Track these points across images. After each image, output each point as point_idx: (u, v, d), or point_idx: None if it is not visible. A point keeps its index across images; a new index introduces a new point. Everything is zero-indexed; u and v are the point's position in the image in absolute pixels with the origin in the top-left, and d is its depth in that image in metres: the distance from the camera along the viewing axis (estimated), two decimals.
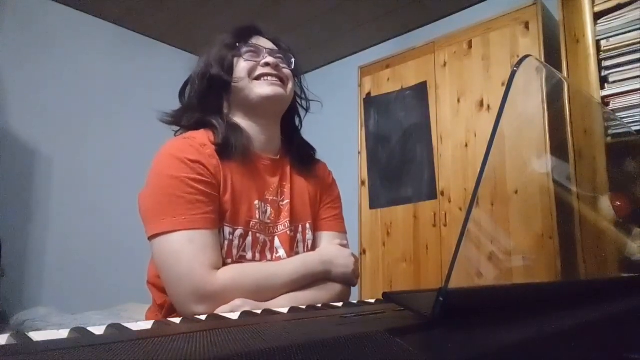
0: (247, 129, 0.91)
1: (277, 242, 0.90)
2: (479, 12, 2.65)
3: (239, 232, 0.84)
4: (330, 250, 0.94)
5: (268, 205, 0.90)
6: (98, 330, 0.38)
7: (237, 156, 0.86)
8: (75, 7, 2.80)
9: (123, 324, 0.39)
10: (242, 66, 0.91)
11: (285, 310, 0.53)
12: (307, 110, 1.05)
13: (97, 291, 2.59)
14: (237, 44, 0.94)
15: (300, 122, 1.05)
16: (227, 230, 0.83)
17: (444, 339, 0.33)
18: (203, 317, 0.48)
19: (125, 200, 2.82)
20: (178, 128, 0.96)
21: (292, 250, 0.92)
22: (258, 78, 0.90)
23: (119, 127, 2.91)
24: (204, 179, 0.80)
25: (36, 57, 2.62)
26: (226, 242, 0.82)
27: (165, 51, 3.24)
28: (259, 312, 0.51)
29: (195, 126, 0.91)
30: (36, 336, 0.34)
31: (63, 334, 0.36)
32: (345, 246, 0.99)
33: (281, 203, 0.93)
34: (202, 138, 0.86)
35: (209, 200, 0.79)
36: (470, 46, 2.38)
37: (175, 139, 0.87)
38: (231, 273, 0.77)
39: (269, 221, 0.90)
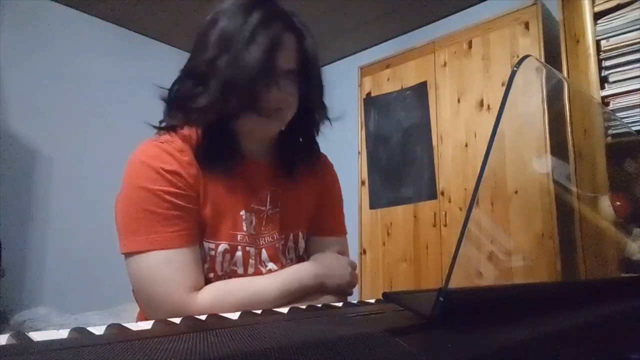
0: (241, 134, 0.80)
1: (264, 254, 0.82)
2: (479, 12, 2.65)
3: (222, 247, 0.76)
4: (325, 261, 0.84)
5: (254, 215, 0.81)
6: (98, 330, 0.38)
7: (222, 166, 0.77)
8: (75, 7, 2.80)
9: (123, 324, 0.39)
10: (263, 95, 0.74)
11: (285, 310, 0.53)
12: (319, 121, 0.87)
13: (97, 291, 2.59)
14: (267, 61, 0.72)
15: (309, 126, 0.88)
16: (208, 245, 0.75)
17: (444, 339, 0.33)
18: (203, 317, 0.48)
19: None
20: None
21: (281, 263, 0.84)
22: (269, 113, 0.76)
23: (118, 127, 2.91)
24: (181, 191, 0.71)
25: (36, 57, 2.62)
26: (208, 258, 0.76)
27: (165, 51, 3.24)
28: (259, 312, 0.51)
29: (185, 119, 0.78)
30: (36, 336, 0.34)
31: (63, 334, 0.36)
32: (343, 252, 0.91)
33: (269, 212, 0.83)
34: (180, 141, 0.75)
35: (186, 214, 0.71)
36: (470, 46, 2.38)
37: (149, 143, 0.76)
38: (212, 294, 0.70)
39: (257, 231, 0.81)
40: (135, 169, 0.73)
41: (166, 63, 3.46)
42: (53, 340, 0.32)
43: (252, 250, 0.79)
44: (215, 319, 0.49)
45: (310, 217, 0.91)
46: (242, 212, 0.79)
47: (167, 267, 0.69)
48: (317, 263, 0.83)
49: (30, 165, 2.54)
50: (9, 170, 2.43)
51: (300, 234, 0.88)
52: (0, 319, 2.14)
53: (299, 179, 0.87)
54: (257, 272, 0.80)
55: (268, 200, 0.83)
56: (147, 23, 3.00)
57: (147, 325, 0.42)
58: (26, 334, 0.34)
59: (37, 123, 2.58)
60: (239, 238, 0.78)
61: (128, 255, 0.71)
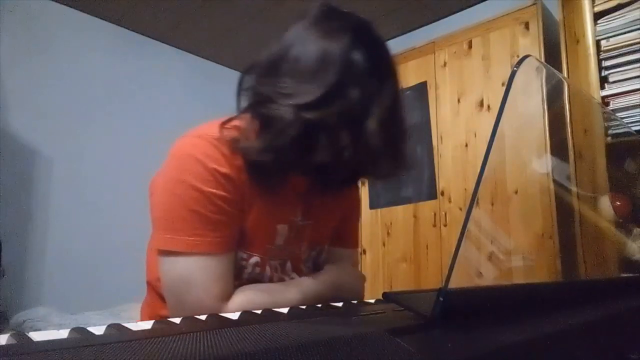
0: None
1: (288, 265, 0.82)
2: (479, 12, 2.65)
3: (254, 260, 0.76)
4: (342, 272, 0.85)
5: (289, 226, 0.80)
6: (98, 330, 0.38)
7: (274, 180, 0.73)
8: (75, 7, 2.80)
9: (123, 324, 0.39)
10: None
11: (285, 310, 0.53)
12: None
13: (97, 291, 2.59)
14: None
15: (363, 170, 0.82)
16: (240, 255, 0.74)
17: (444, 339, 0.33)
18: (203, 317, 0.48)
19: (125, 200, 2.82)
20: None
21: (302, 271, 0.84)
22: None
23: (119, 127, 2.91)
24: (230, 196, 0.68)
25: (36, 57, 2.62)
26: (237, 266, 0.74)
27: (165, 51, 3.24)
28: (259, 312, 0.51)
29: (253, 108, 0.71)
30: (36, 336, 0.34)
31: (63, 334, 0.36)
32: (355, 265, 0.94)
33: (300, 223, 0.82)
34: (231, 140, 0.70)
35: (231, 221, 0.69)
36: (470, 46, 2.38)
37: (200, 137, 0.70)
38: (241, 305, 0.68)
39: (288, 243, 0.81)
40: (187, 164, 0.68)
41: (166, 63, 3.48)
42: (53, 340, 0.32)
43: (282, 262, 0.80)
44: (215, 319, 0.49)
45: (335, 227, 0.90)
46: (278, 225, 0.78)
47: (204, 273, 0.67)
48: (334, 273, 0.83)
49: (30, 165, 2.54)
50: (9, 170, 2.43)
51: (326, 248, 0.89)
52: (0, 319, 2.14)
53: (331, 195, 0.86)
54: (278, 281, 0.80)
55: (303, 212, 0.81)
56: (147, 23, 3.00)
57: (147, 325, 0.42)
58: (26, 334, 0.34)
59: (37, 123, 2.58)
60: (270, 251, 0.77)
61: (165, 252, 0.68)
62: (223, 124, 0.72)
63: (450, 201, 2.33)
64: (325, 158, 0.66)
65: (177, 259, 0.67)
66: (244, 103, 0.71)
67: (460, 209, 2.29)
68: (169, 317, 0.78)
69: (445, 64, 2.48)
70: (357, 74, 0.67)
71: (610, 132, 1.55)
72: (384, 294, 0.41)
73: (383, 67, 0.72)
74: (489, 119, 2.25)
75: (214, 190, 0.67)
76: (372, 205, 2.68)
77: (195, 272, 0.66)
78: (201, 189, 0.66)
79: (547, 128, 1.50)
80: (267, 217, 0.75)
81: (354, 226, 0.96)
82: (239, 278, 0.75)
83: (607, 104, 1.70)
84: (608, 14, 1.74)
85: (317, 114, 0.64)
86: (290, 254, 0.81)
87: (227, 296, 0.69)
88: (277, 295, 0.73)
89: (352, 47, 0.68)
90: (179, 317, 0.69)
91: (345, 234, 0.93)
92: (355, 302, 0.64)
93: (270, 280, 0.78)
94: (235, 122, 0.72)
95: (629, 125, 1.64)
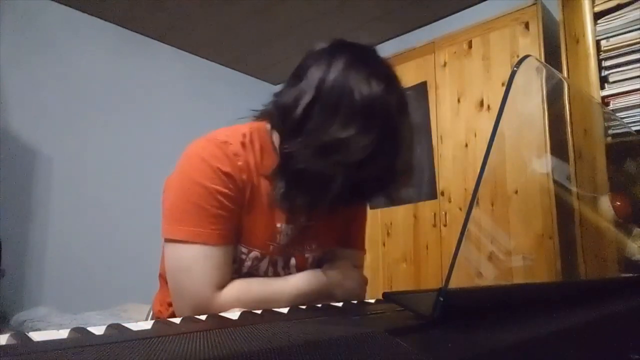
0: None
1: (292, 261, 0.85)
2: (479, 12, 2.65)
3: (254, 254, 0.80)
4: (341, 272, 0.87)
5: (292, 226, 0.83)
6: (98, 330, 0.38)
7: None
8: (75, 7, 2.80)
9: (123, 324, 0.39)
10: None
11: (285, 310, 0.53)
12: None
13: (97, 291, 2.59)
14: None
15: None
16: (240, 249, 0.79)
17: (444, 339, 0.33)
18: (203, 317, 0.48)
19: (125, 200, 2.82)
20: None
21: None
22: None
23: (119, 127, 2.91)
24: (231, 193, 0.75)
25: (36, 57, 2.62)
26: (237, 259, 0.79)
27: (165, 51, 3.24)
28: (259, 312, 0.51)
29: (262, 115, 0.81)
30: (36, 336, 0.34)
31: (63, 334, 0.36)
32: (358, 267, 0.94)
33: (306, 224, 0.84)
34: (236, 145, 0.77)
35: (231, 216, 0.75)
36: (470, 46, 2.38)
37: (209, 141, 0.77)
38: (235, 294, 0.74)
39: (291, 243, 0.84)
40: (194, 163, 0.76)
41: (166, 63, 3.48)
42: (53, 340, 0.32)
43: (279, 259, 0.83)
44: (215, 319, 0.49)
45: (342, 229, 0.93)
46: (279, 225, 0.81)
47: (204, 261, 0.73)
48: (330, 271, 0.86)
49: (30, 165, 2.54)
50: (9, 170, 2.43)
51: (333, 249, 0.92)
52: (0, 319, 2.15)
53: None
54: (275, 275, 0.84)
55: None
56: (147, 23, 3.00)
57: (147, 325, 0.42)
58: (26, 334, 0.34)
59: (37, 123, 2.58)
60: (271, 248, 0.82)
61: (169, 241, 0.75)
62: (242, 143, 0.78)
63: (450, 201, 2.33)
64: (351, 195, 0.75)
65: (180, 247, 0.73)
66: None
67: (460, 209, 2.29)
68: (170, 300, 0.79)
69: (445, 64, 2.48)
70: (392, 122, 0.73)
71: (610, 132, 1.55)
72: (384, 294, 0.41)
73: (403, 103, 0.79)
74: (489, 119, 2.25)
75: (217, 187, 0.73)
76: (372, 205, 2.68)
77: (195, 260, 0.73)
78: (205, 185, 0.73)
79: (547, 128, 1.50)
80: (268, 216, 0.80)
81: (359, 227, 1.00)
82: (239, 272, 0.80)
83: (607, 104, 1.70)
84: (608, 14, 1.74)
85: (363, 173, 0.71)
86: (295, 253, 0.85)
87: (222, 285, 0.74)
88: (272, 288, 0.78)
89: (388, 93, 0.73)
90: (177, 302, 0.74)
91: (351, 235, 0.96)
92: (355, 302, 0.64)
93: (265, 275, 0.82)
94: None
95: (629, 125, 1.64)
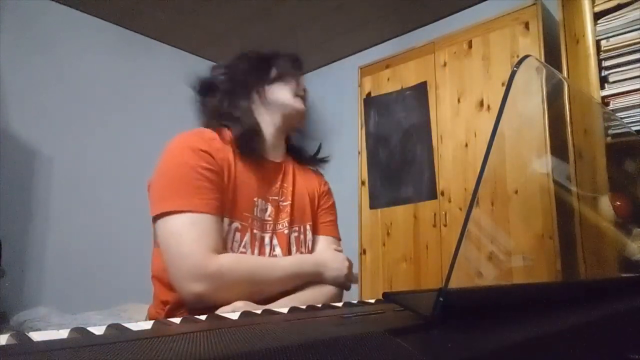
0: (265, 132, 0.99)
1: (275, 240, 0.95)
2: (479, 12, 2.65)
3: (235, 225, 0.88)
4: (326, 254, 0.99)
5: (269, 204, 0.95)
6: (98, 330, 0.38)
7: (248, 154, 0.92)
8: (75, 7, 2.80)
9: (123, 324, 0.39)
10: (290, 85, 1.01)
11: (285, 310, 0.53)
12: (307, 135, 1.15)
13: (97, 291, 2.59)
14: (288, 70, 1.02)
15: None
16: (225, 221, 0.86)
17: (444, 339, 0.33)
18: (203, 317, 0.48)
19: (125, 200, 2.82)
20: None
21: (288, 250, 0.96)
22: (297, 96, 1.01)
23: (119, 127, 2.91)
24: (209, 166, 0.84)
25: (36, 57, 2.62)
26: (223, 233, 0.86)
27: (165, 51, 3.24)
28: (259, 312, 0.51)
29: (219, 119, 0.97)
30: (36, 336, 0.34)
31: (63, 334, 0.36)
32: (340, 252, 1.04)
33: (282, 203, 0.98)
34: (211, 134, 0.91)
35: (213, 187, 0.83)
36: (470, 46, 2.38)
37: (185, 133, 0.91)
38: (231, 258, 0.82)
39: (269, 219, 0.94)
40: (173, 149, 0.87)
41: (166, 63, 3.48)
42: (53, 340, 0.32)
43: (258, 234, 0.92)
44: (215, 319, 0.49)
45: (313, 215, 1.05)
46: (256, 199, 0.92)
47: (193, 228, 0.79)
48: (318, 255, 0.98)
49: (30, 165, 2.54)
50: (9, 170, 2.43)
51: (309, 227, 1.02)
52: (0, 319, 2.15)
53: (304, 179, 1.06)
54: (262, 255, 0.92)
55: (280, 192, 0.98)
56: (147, 23, 3.00)
57: (147, 325, 0.42)
58: (26, 334, 0.34)
59: (37, 123, 2.58)
60: (250, 220, 0.90)
61: (158, 217, 0.81)
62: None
63: (450, 201, 2.33)
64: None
65: (168, 218, 0.80)
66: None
67: (460, 209, 2.29)
68: (171, 301, 0.85)
69: (445, 64, 2.48)
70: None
71: (610, 132, 1.55)
72: (384, 294, 0.41)
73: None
74: (489, 119, 2.25)
75: (197, 162, 0.83)
76: (372, 205, 2.68)
77: (183, 226, 0.79)
78: (186, 162, 0.83)
79: (547, 128, 1.49)
80: (245, 189, 0.91)
81: (333, 219, 1.12)
82: (228, 249, 0.86)
83: (607, 104, 1.70)
84: (608, 14, 1.74)
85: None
86: (277, 230, 0.96)
87: (215, 249, 0.80)
88: (266, 262, 0.87)
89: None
90: (175, 268, 0.79)
91: (326, 223, 1.08)
92: (355, 302, 0.64)
93: (252, 252, 0.90)
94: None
95: (629, 125, 1.64)
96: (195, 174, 0.82)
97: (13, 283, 2.34)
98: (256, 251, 0.91)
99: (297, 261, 0.92)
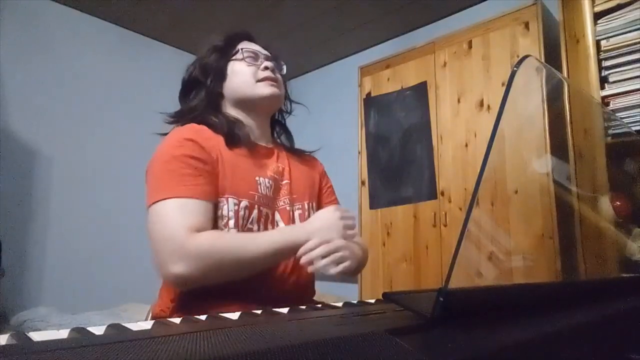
0: (246, 122, 1.01)
1: (277, 216, 0.97)
2: (479, 12, 2.65)
3: (244, 203, 0.90)
4: (317, 217, 0.90)
5: (271, 180, 0.97)
6: (98, 330, 0.38)
7: (240, 143, 0.95)
8: (75, 7, 2.80)
9: (123, 324, 0.39)
10: (245, 69, 1.01)
11: (285, 310, 0.53)
12: (289, 112, 1.17)
13: (97, 291, 2.59)
14: (233, 48, 1.05)
15: (284, 119, 1.18)
16: (232, 201, 0.89)
17: (444, 339, 0.33)
18: (203, 317, 0.48)
19: (125, 200, 2.82)
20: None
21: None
22: (260, 80, 1.00)
23: (119, 127, 2.91)
24: (196, 154, 0.86)
25: (36, 57, 2.62)
26: (232, 214, 0.88)
27: (165, 51, 3.24)
28: (258, 312, 0.51)
29: (197, 123, 0.97)
30: (36, 336, 0.34)
31: (63, 334, 0.36)
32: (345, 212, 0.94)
33: (281, 182, 1.00)
34: (201, 127, 0.94)
35: (199, 173, 0.85)
36: (470, 46, 2.38)
37: (174, 128, 0.96)
38: (210, 237, 0.80)
39: (270, 195, 0.96)
40: (160, 146, 0.90)
41: (166, 63, 3.48)
42: (53, 340, 0.32)
43: (264, 210, 0.93)
44: (215, 319, 0.49)
45: (316, 194, 1.09)
46: (257, 177, 0.94)
47: (177, 211, 0.80)
48: (308, 222, 0.91)
49: (30, 165, 2.54)
50: (9, 170, 2.43)
51: (312, 204, 1.04)
52: (0, 319, 2.15)
53: (300, 161, 1.09)
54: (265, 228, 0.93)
55: (278, 171, 1.00)
56: (147, 23, 3.00)
57: (147, 325, 0.42)
58: (26, 334, 0.34)
59: (37, 123, 2.58)
60: (256, 198, 0.92)
61: (149, 207, 0.83)
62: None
63: (450, 201, 2.33)
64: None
65: (158, 204, 0.81)
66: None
67: (460, 209, 2.29)
68: (177, 300, 0.86)
69: (445, 64, 2.47)
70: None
71: (610, 132, 1.55)
72: (384, 294, 0.41)
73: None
74: (489, 119, 2.25)
75: (183, 152, 0.86)
76: (372, 205, 2.68)
77: (170, 211, 0.81)
78: (173, 154, 0.86)
79: (547, 128, 1.50)
80: (245, 171, 0.93)
81: (335, 198, 1.15)
82: (238, 227, 0.88)
83: (607, 104, 1.70)
84: (608, 14, 1.74)
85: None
86: (279, 206, 0.98)
87: (197, 229, 0.80)
88: (246, 237, 0.85)
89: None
90: (156, 249, 0.79)
91: (329, 197, 1.13)
92: (355, 302, 0.64)
93: (259, 229, 0.92)
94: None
95: (629, 125, 1.64)
96: (178, 163, 0.84)
97: (13, 283, 2.34)
98: (262, 227, 0.92)
99: (281, 233, 0.88)
